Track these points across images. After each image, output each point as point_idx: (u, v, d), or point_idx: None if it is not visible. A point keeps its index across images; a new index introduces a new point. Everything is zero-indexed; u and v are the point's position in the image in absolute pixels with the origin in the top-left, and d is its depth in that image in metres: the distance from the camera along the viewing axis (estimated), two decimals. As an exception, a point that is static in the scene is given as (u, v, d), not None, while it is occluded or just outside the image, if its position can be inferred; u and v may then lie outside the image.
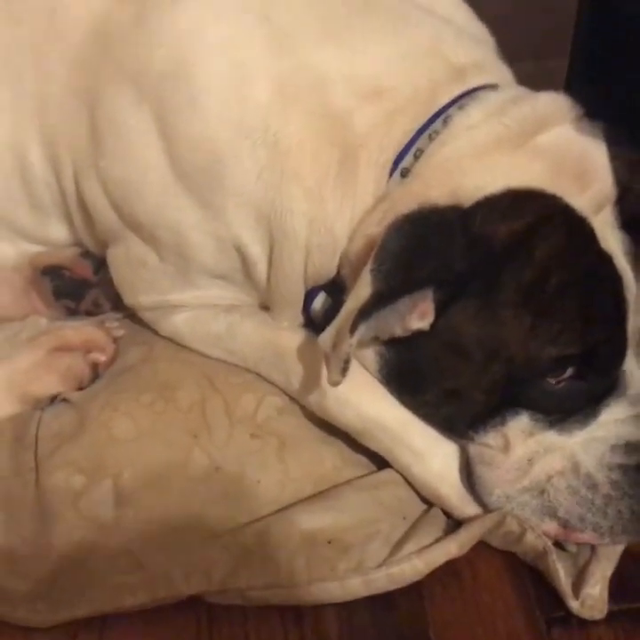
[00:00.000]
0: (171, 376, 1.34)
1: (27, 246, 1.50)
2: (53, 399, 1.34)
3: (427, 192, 1.07)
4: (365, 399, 1.20)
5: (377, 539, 1.16)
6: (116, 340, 1.42)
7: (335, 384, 1.07)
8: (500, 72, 1.24)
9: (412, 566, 1.11)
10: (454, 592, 1.14)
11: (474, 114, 1.12)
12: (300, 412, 1.30)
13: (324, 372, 1.10)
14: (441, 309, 1.05)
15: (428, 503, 1.21)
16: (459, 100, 1.14)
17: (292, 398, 1.30)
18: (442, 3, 1.29)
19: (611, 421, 1.08)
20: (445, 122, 1.12)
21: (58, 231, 1.46)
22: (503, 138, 1.09)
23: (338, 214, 1.15)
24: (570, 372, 1.05)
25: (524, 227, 1.03)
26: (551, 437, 1.09)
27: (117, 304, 1.47)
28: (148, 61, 1.19)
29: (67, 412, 1.31)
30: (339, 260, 1.19)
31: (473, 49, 1.21)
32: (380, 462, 1.24)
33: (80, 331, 1.40)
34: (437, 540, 1.14)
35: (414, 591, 1.13)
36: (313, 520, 1.16)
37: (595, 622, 1.10)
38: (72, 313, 1.51)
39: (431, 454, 1.19)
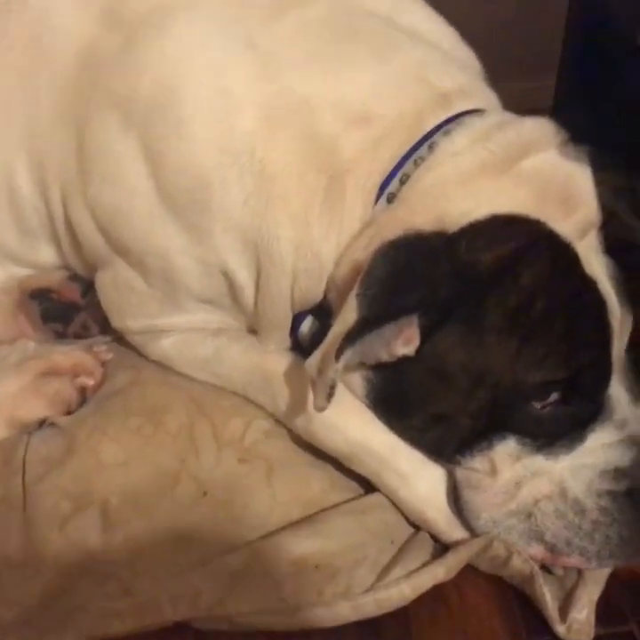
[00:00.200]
0: (159, 400, 1.34)
1: (15, 269, 1.50)
2: (41, 424, 1.34)
3: (412, 218, 1.07)
4: (352, 423, 1.20)
5: (364, 564, 1.16)
6: (104, 363, 1.42)
7: (321, 410, 1.07)
8: (485, 97, 1.25)
9: (400, 591, 1.11)
10: (441, 616, 1.14)
11: (459, 139, 1.12)
12: (287, 435, 1.30)
13: (311, 396, 1.10)
14: (427, 335, 1.05)
15: (416, 527, 1.21)
16: (444, 126, 1.14)
17: (279, 422, 1.30)
18: (428, 27, 1.30)
19: (598, 446, 1.08)
20: (431, 148, 1.13)
21: (46, 254, 1.47)
22: (488, 163, 1.09)
23: (324, 239, 1.15)
24: (555, 396, 1.05)
25: (509, 253, 1.04)
26: (538, 461, 1.09)
27: (106, 327, 1.47)
28: (135, 88, 1.20)
29: (54, 437, 1.31)
30: (325, 285, 1.19)
31: (458, 74, 1.22)
32: (368, 485, 1.24)
33: (68, 355, 1.40)
34: (425, 565, 1.14)
35: (402, 615, 1.13)
36: (300, 545, 1.16)
37: (582, 646, 1.10)
38: (60, 336, 1.51)
39: (418, 478, 1.19)
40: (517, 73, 2.07)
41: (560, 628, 1.10)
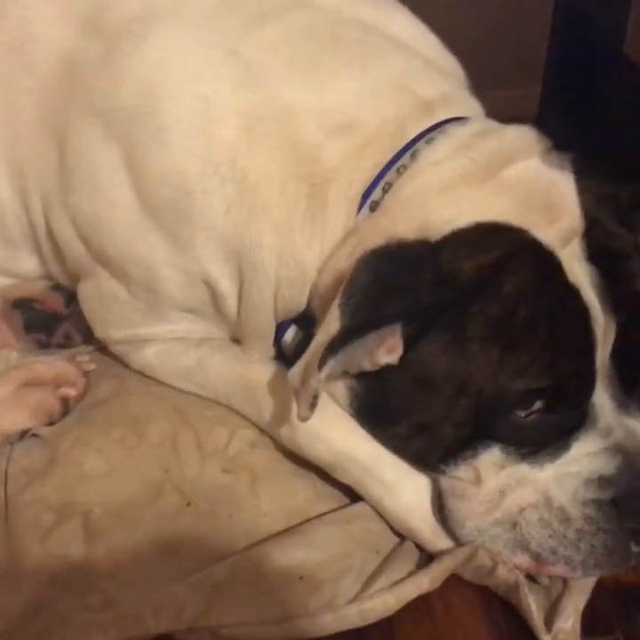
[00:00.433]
0: (142, 410, 1.33)
1: (-3, 279, 1.50)
2: (23, 434, 1.33)
3: (395, 226, 1.07)
4: (336, 433, 1.20)
5: (349, 574, 1.15)
6: (86, 373, 1.41)
7: (304, 419, 1.06)
8: (468, 105, 1.25)
9: (384, 602, 1.10)
10: (427, 626, 1.13)
11: (441, 148, 1.12)
12: (271, 445, 1.29)
13: (295, 406, 1.09)
14: (410, 343, 1.05)
15: (401, 536, 1.21)
16: (427, 134, 1.14)
17: (263, 431, 1.30)
18: (411, 34, 1.30)
19: (583, 455, 1.07)
20: (413, 156, 1.12)
21: (28, 264, 1.46)
22: (470, 172, 1.09)
23: (307, 248, 1.15)
24: (539, 404, 1.05)
25: (492, 261, 1.03)
26: (523, 470, 1.08)
27: (89, 337, 1.46)
28: (116, 96, 1.19)
29: (37, 448, 1.30)
30: (309, 294, 1.19)
31: (441, 82, 1.22)
32: (353, 495, 1.24)
33: (50, 365, 1.39)
34: (410, 574, 1.14)
35: (386, 626, 1.12)
36: (285, 556, 1.16)
37: (567, 656, 1.09)
38: (43, 346, 1.50)
39: (403, 487, 1.18)
40: (502, 80, 2.07)
41: (546, 638, 1.09)
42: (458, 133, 1.14)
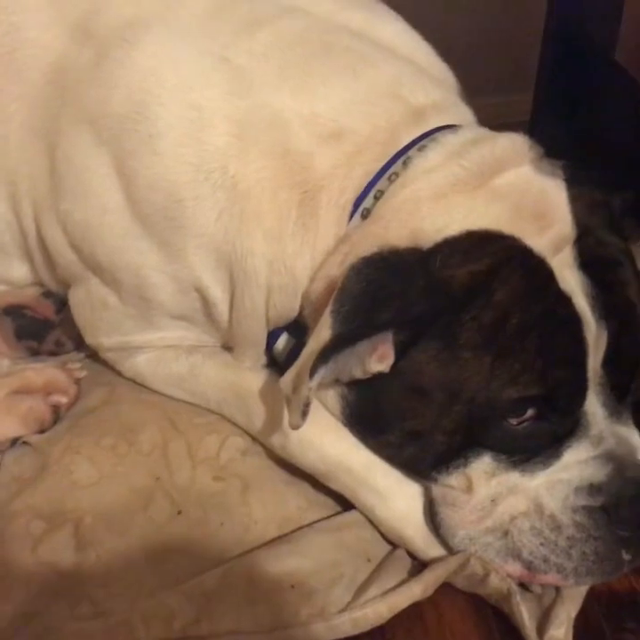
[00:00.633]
0: (133, 418, 1.33)
1: (-12, 286, 1.49)
2: (14, 442, 1.32)
3: (386, 234, 1.07)
4: (328, 441, 1.19)
5: (340, 583, 1.15)
6: (77, 381, 1.41)
7: (296, 427, 1.06)
8: (460, 112, 1.25)
9: (376, 610, 1.10)
10: (418, 635, 1.13)
11: (433, 156, 1.12)
12: (263, 452, 1.29)
13: (286, 414, 1.09)
14: (401, 351, 1.05)
15: (393, 544, 1.20)
16: (418, 142, 1.14)
17: (255, 439, 1.30)
18: (403, 42, 1.30)
19: (574, 462, 1.07)
20: (405, 163, 1.12)
21: (19, 271, 1.46)
22: (461, 180, 1.09)
23: (298, 255, 1.15)
24: (531, 412, 1.05)
25: (484, 269, 1.03)
26: (514, 478, 1.08)
27: (80, 344, 1.46)
28: (106, 103, 1.19)
29: (27, 456, 1.30)
30: (300, 301, 1.19)
31: (433, 90, 1.21)
32: (345, 502, 1.24)
33: (41, 372, 1.38)
34: (402, 583, 1.13)
35: (378, 635, 1.12)
36: (276, 565, 1.15)
37: (560, 665, 1.09)
38: (34, 353, 1.49)
39: (395, 496, 1.18)
40: (494, 87, 2.08)
41: (538, 647, 1.09)
42: (449, 141, 1.14)
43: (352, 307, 1.02)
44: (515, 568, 1.11)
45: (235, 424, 1.31)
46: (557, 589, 1.12)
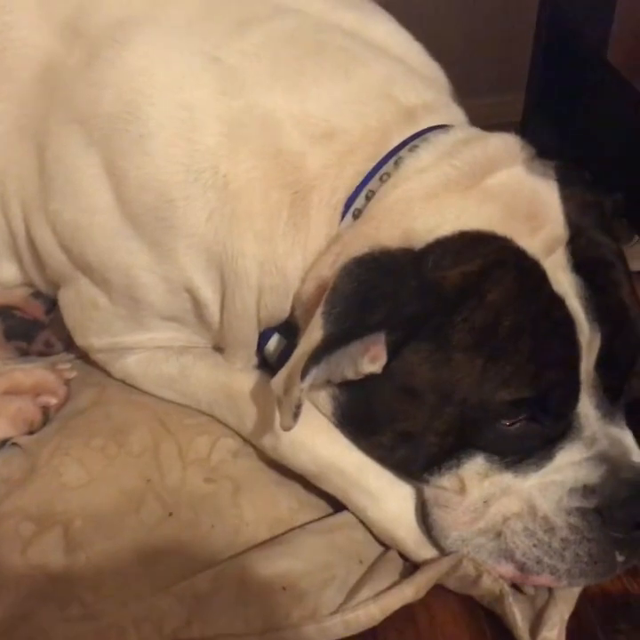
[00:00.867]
0: (123, 419, 1.32)
1: (-23, 287, 1.48)
2: (3, 443, 1.31)
3: (378, 234, 1.06)
4: (320, 442, 1.19)
5: (332, 584, 1.14)
6: (67, 382, 1.40)
7: (287, 429, 1.06)
8: (451, 112, 1.24)
9: (368, 612, 1.10)
10: (410, 637, 1.12)
11: (424, 156, 1.12)
12: (254, 454, 1.29)
13: (278, 415, 1.08)
14: (394, 352, 1.04)
15: (385, 546, 1.20)
16: (410, 142, 1.13)
17: (246, 440, 1.29)
18: (394, 41, 1.30)
19: (567, 464, 1.07)
20: (397, 164, 1.12)
21: (8, 271, 1.45)
22: (453, 180, 1.09)
23: (289, 256, 1.14)
24: (523, 414, 1.04)
25: (476, 270, 1.03)
26: (507, 479, 1.08)
27: (70, 344, 1.45)
28: (96, 102, 1.18)
29: (16, 457, 1.29)
30: (292, 302, 1.18)
31: (424, 90, 1.21)
32: (337, 504, 1.23)
33: (30, 373, 1.38)
34: (394, 584, 1.13)
35: (370, 637, 1.11)
36: (268, 566, 1.15)
37: (552, 666, 1.09)
38: (23, 353, 1.48)
39: (387, 497, 1.18)
40: (486, 88, 2.07)
41: (530, 648, 1.09)
42: (441, 141, 1.13)
43: (344, 307, 1.02)
44: (507, 569, 1.10)
45: (226, 425, 1.30)
46: (550, 591, 1.12)
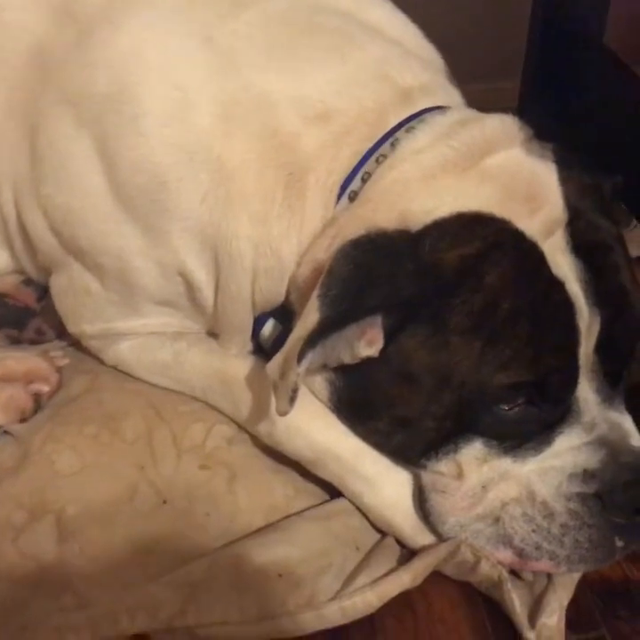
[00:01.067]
0: (116, 406, 1.31)
1: (-33, 274, 1.47)
2: (-5, 431, 1.30)
3: (374, 216, 1.05)
4: (316, 428, 1.18)
5: (329, 571, 1.13)
6: (59, 369, 1.39)
7: (283, 414, 1.04)
8: (448, 94, 1.23)
9: (365, 599, 1.09)
10: (408, 624, 1.12)
11: (421, 137, 1.10)
12: (249, 441, 1.27)
13: (274, 400, 1.07)
14: (391, 336, 1.03)
15: (382, 532, 1.19)
16: (406, 123, 1.12)
17: (241, 427, 1.28)
18: (390, 23, 1.29)
19: (566, 449, 1.06)
20: (393, 145, 1.11)
21: (-1, 259, 1.43)
22: (451, 161, 1.07)
23: (284, 238, 1.13)
24: (522, 398, 1.03)
25: (474, 252, 1.02)
26: (505, 464, 1.07)
27: (62, 332, 1.44)
28: (89, 83, 1.17)
29: (8, 445, 1.27)
30: (287, 286, 1.17)
31: (420, 71, 1.20)
32: (333, 491, 1.22)
33: (22, 361, 1.36)
34: (391, 571, 1.12)
35: (367, 624, 1.11)
36: (263, 553, 1.13)
37: (551, 653, 1.08)
38: (15, 341, 1.47)
39: (383, 483, 1.17)
40: (482, 74, 2.06)
41: (529, 635, 1.08)
42: (438, 122, 1.12)
43: (340, 290, 1.00)
44: (506, 555, 1.10)
45: (220, 412, 1.29)
46: (549, 576, 1.11)
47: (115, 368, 1.37)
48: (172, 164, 1.13)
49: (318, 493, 1.24)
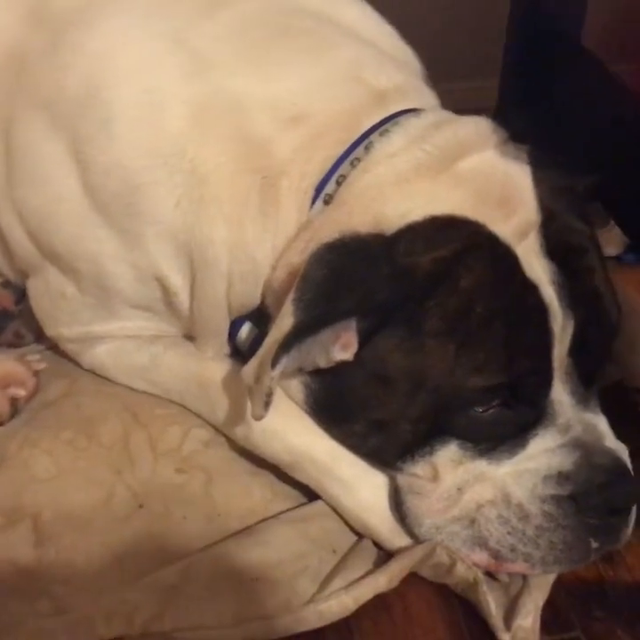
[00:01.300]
0: (93, 411, 1.30)
1: (-56, 278, 1.46)
2: (-29, 436, 1.29)
3: (349, 220, 1.05)
4: (292, 430, 1.17)
5: (305, 574, 1.13)
6: (36, 373, 1.38)
7: (259, 418, 1.05)
8: (422, 96, 1.23)
9: (340, 602, 1.09)
10: (385, 626, 1.12)
11: (395, 140, 1.10)
12: (226, 444, 1.27)
13: (250, 404, 1.07)
14: (365, 339, 1.03)
15: (359, 535, 1.19)
16: (380, 126, 1.12)
17: (218, 430, 1.28)
18: (364, 24, 1.28)
19: (541, 451, 1.06)
20: (367, 148, 1.11)
21: (-25, 261, 1.43)
22: (424, 164, 1.07)
23: (259, 242, 1.13)
24: (496, 400, 1.03)
25: (448, 255, 1.02)
26: (481, 466, 1.07)
27: (40, 335, 1.43)
28: (61, 87, 1.17)
29: (-16, 450, 1.27)
30: (262, 289, 1.17)
31: (395, 73, 1.20)
32: (310, 494, 1.22)
33: (-1, 364, 1.36)
34: (367, 574, 1.12)
35: (344, 626, 1.10)
36: (240, 557, 1.13)
37: (527, 655, 1.08)
38: (-7, 345, 1.46)
39: (360, 485, 1.16)
40: (460, 73, 2.06)
41: (505, 636, 1.08)
42: (412, 125, 1.12)
43: (314, 294, 1.00)
44: (481, 557, 1.10)
45: (197, 415, 1.29)
46: (524, 578, 1.11)
47: (92, 371, 1.37)
48: (144, 167, 1.13)
49: (296, 496, 1.24)
